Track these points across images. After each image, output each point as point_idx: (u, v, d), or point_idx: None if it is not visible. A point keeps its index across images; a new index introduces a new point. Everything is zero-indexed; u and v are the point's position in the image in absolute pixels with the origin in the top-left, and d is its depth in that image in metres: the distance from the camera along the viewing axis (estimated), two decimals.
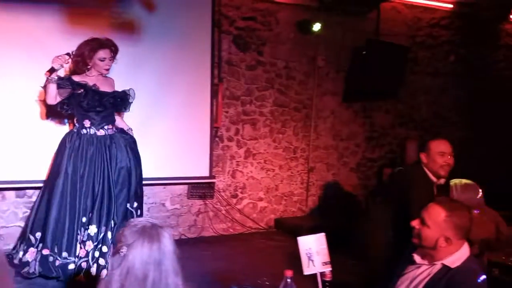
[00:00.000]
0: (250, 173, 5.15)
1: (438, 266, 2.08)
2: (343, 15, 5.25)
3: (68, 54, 3.41)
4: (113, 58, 3.60)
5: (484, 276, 1.97)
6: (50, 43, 3.81)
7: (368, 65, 5.17)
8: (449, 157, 2.95)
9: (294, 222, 5.17)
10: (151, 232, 1.48)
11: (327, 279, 2.07)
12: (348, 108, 5.64)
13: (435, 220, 2.07)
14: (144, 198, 4.02)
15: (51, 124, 3.97)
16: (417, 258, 2.17)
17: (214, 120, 4.73)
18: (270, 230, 5.20)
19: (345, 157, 5.68)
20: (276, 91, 5.21)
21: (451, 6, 5.94)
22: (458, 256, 2.05)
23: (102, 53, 3.54)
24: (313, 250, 2.10)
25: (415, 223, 2.15)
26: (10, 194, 4.08)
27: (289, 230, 4.94)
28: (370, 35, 5.35)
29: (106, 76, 3.69)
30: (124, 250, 1.44)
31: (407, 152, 5.85)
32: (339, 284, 2.28)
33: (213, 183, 4.87)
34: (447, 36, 6.06)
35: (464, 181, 3.22)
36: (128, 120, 3.91)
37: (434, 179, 2.99)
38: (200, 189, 4.82)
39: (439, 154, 2.94)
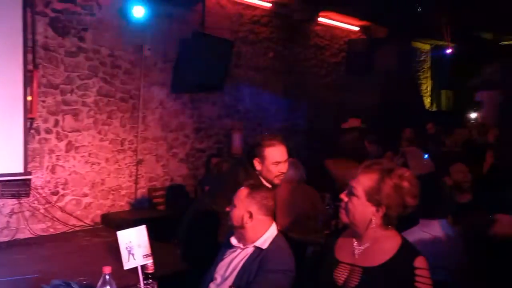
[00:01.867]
0: (72, 167, 4.81)
1: (251, 248, 2.24)
2: (169, 5, 5.23)
3: None
4: None
5: None
6: None
7: (195, 57, 5.26)
8: (284, 164, 2.76)
9: (122, 216, 5.01)
10: None
11: (149, 271, 2.04)
12: (176, 99, 5.66)
13: (240, 198, 2.24)
14: None
15: None
16: (233, 241, 2.30)
17: (28, 110, 4.28)
18: (96, 227, 4.94)
19: (174, 148, 5.70)
20: (100, 80, 4.95)
21: (269, 5, 6.39)
22: (267, 236, 2.23)
23: None
24: (134, 243, 2.04)
25: (228, 208, 2.29)
26: None
27: (116, 225, 4.76)
28: (196, 27, 5.44)
29: None
30: None
31: (233, 142, 6.15)
32: (163, 276, 2.27)
33: (29, 179, 4.40)
34: (267, 34, 6.52)
35: None
36: None
37: (267, 185, 2.76)
38: (13, 186, 4.32)
39: (275, 164, 2.73)
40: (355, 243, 1.89)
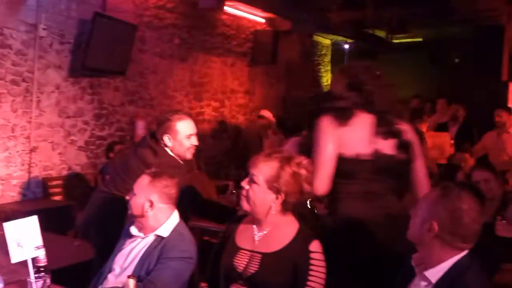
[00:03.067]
0: None
1: (151, 237, 2.22)
2: None
3: None
4: None
5: None
6: None
7: (96, 40, 5.02)
8: (195, 137, 2.81)
9: (13, 207, 4.67)
10: None
11: (41, 264, 1.94)
12: (74, 84, 5.36)
13: (140, 186, 2.22)
14: None
15: None
16: (133, 230, 2.26)
17: None
18: None
19: (72, 135, 5.41)
20: None
21: None
22: (168, 224, 2.23)
23: None
24: (23, 235, 1.93)
25: (127, 196, 2.25)
26: None
27: (7, 217, 4.41)
28: (97, 8, 5.19)
29: None
30: None
31: (136, 130, 5.99)
32: (58, 269, 2.19)
33: None
34: (172, 20, 6.40)
35: None
36: None
37: (179, 161, 2.82)
38: None
39: (187, 137, 2.76)
40: (255, 229, 1.97)
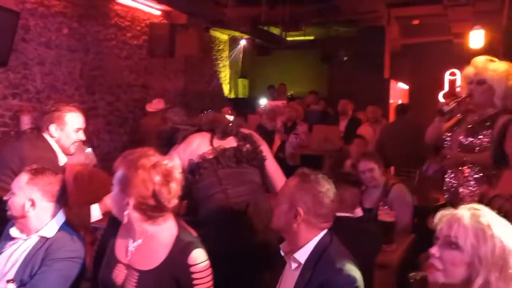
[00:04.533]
0: None
1: (35, 238, 2.10)
2: None
3: None
4: None
5: None
6: None
7: None
8: (83, 132, 2.76)
9: None
10: None
11: None
12: None
13: (19, 185, 2.08)
14: None
15: None
16: (13, 232, 2.12)
17: None
18: None
19: None
20: None
21: None
22: (53, 224, 2.12)
23: None
24: None
25: (6, 196, 2.11)
26: None
27: None
28: None
29: None
30: None
31: (21, 126, 5.58)
32: None
33: None
34: (60, 8, 6.02)
35: None
36: None
37: (59, 155, 2.73)
38: None
39: (76, 130, 2.71)
40: (129, 240, 1.80)
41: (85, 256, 2.13)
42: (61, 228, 2.12)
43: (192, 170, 2.36)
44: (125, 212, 1.71)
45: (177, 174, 1.76)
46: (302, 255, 1.80)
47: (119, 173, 1.73)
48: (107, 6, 6.82)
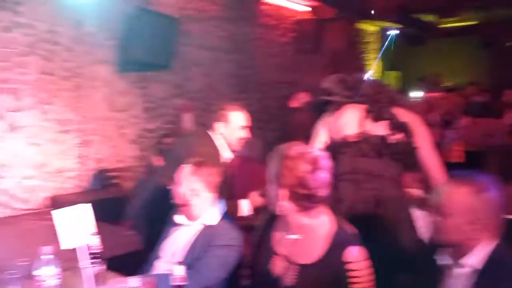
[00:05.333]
0: (14, 149, 4.61)
1: (198, 226, 2.24)
2: None
3: None
4: None
5: None
6: None
7: (141, 35, 5.12)
8: (247, 130, 2.91)
9: (71, 199, 4.85)
10: None
11: (95, 251, 2.01)
12: (123, 79, 5.50)
13: (184, 175, 2.24)
14: None
15: None
16: (178, 219, 2.30)
17: None
18: (43, 210, 4.77)
19: (123, 128, 5.57)
20: (40, 57, 4.72)
21: None
22: (213, 213, 2.25)
23: None
24: (74, 222, 2.00)
25: (172, 185, 2.29)
26: None
27: (65, 207, 4.63)
28: (141, 3, 5.29)
29: None
30: None
31: (183, 123, 6.08)
32: (113, 257, 2.24)
33: None
34: (215, 12, 6.43)
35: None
36: None
37: (223, 151, 2.91)
38: None
39: (239, 128, 2.87)
40: (286, 232, 1.82)
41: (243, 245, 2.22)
42: (222, 218, 2.24)
43: (330, 150, 2.27)
44: (279, 203, 1.74)
45: (325, 162, 1.74)
46: (474, 259, 1.64)
47: (270, 166, 1.77)
48: (255, 7, 7.08)
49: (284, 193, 1.72)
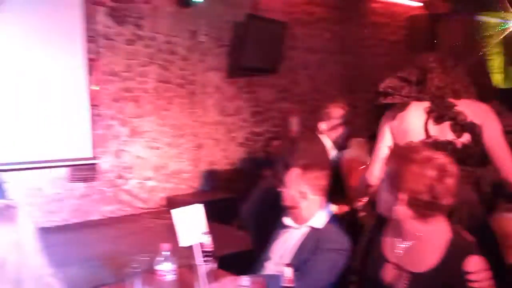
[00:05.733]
0: (136, 152, 5.01)
1: (306, 228, 2.23)
2: None
3: None
4: None
5: None
6: None
7: (249, 41, 5.27)
8: (349, 125, 2.98)
9: (185, 199, 5.15)
10: (4, 213, 1.37)
11: (207, 249, 2.09)
12: (232, 84, 5.71)
13: (291, 178, 2.24)
14: (20, 183, 3.74)
15: None
16: (287, 221, 2.31)
17: (93, 98, 4.50)
18: (161, 209, 5.13)
19: (232, 132, 5.77)
20: (158, 66, 5.09)
21: None
22: (321, 216, 2.22)
23: None
24: (189, 221, 2.10)
25: (280, 188, 2.30)
26: None
27: (180, 207, 4.91)
28: (250, 10, 5.44)
29: None
30: None
31: (290, 126, 6.12)
32: (224, 256, 2.32)
33: (97, 164, 4.65)
34: (321, 14, 6.38)
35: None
36: None
37: (330, 151, 2.97)
38: (83, 171, 4.58)
39: (340, 123, 2.95)
40: (398, 238, 1.73)
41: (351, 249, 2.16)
42: (329, 220, 2.21)
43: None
44: (395, 208, 1.65)
45: (453, 168, 1.61)
46: None
47: (389, 168, 1.69)
48: (364, 6, 6.90)
49: (402, 197, 1.63)
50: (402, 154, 1.67)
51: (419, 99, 2.18)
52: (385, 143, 2.21)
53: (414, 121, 2.15)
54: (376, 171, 2.15)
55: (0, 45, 3.79)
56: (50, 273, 1.41)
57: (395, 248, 1.73)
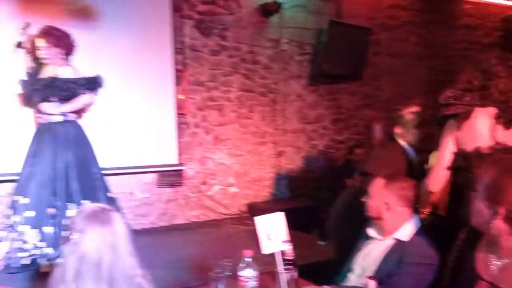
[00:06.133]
0: (219, 159, 5.15)
1: (391, 240, 2.15)
2: None
3: (26, 24, 3.54)
4: (51, 46, 3.53)
5: None
6: (6, 32, 3.72)
7: (332, 48, 5.22)
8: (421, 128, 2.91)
9: (265, 206, 5.20)
10: (101, 216, 1.47)
11: (289, 257, 2.09)
12: (313, 92, 5.69)
13: (376, 189, 2.17)
14: (112, 187, 3.98)
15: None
16: (371, 232, 2.24)
17: (179, 107, 4.71)
18: (242, 215, 5.22)
19: (313, 140, 5.74)
20: (241, 76, 5.21)
21: None
22: (407, 228, 2.12)
23: (37, 42, 3.52)
24: (271, 229, 2.11)
25: (364, 198, 2.24)
26: None
27: (261, 214, 4.95)
28: (332, 17, 5.39)
29: (66, 64, 3.63)
30: (76, 236, 1.43)
31: (373, 133, 5.95)
32: (304, 264, 2.30)
33: (182, 170, 4.85)
34: (407, 18, 6.16)
35: None
36: (91, 109, 3.86)
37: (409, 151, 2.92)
38: (169, 177, 4.80)
39: (417, 125, 2.89)
40: (493, 254, 1.63)
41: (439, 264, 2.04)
42: (416, 233, 2.11)
43: (461, 162, 2.08)
44: (492, 222, 1.54)
45: None
46: None
47: (486, 179, 1.58)
48: (455, 8, 6.55)
49: (500, 212, 1.52)
50: (504, 166, 1.56)
51: (482, 105, 2.12)
52: (448, 151, 2.19)
53: (479, 128, 2.10)
54: (439, 179, 2.17)
55: (98, 59, 4.09)
56: (140, 274, 1.48)
57: (490, 265, 1.61)
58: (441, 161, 2.20)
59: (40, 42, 3.50)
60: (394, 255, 2.10)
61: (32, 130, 3.62)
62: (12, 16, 3.79)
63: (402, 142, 2.91)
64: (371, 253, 2.21)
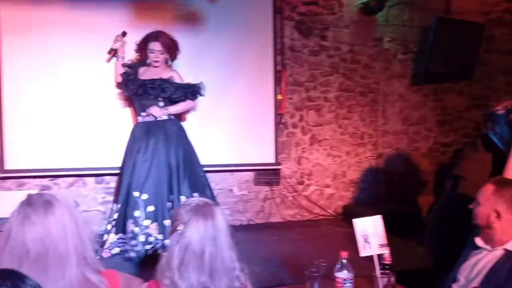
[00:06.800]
0: (316, 159, 5.14)
1: (500, 251, 2.01)
2: None
3: (123, 33, 3.75)
4: (163, 51, 3.75)
5: None
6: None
7: (438, 46, 4.96)
8: None
9: (362, 209, 5.08)
10: (204, 210, 1.55)
11: (386, 262, 2.04)
12: (417, 92, 5.44)
13: (484, 195, 2.03)
14: (213, 184, 4.17)
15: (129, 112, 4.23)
16: (479, 242, 2.11)
17: (278, 107, 4.78)
18: (338, 217, 5.16)
19: (415, 142, 5.50)
20: (340, 76, 5.15)
21: None
22: None
23: (151, 46, 3.76)
24: (369, 232, 2.07)
25: (471, 205, 2.11)
26: (90, 181, 4.39)
27: (357, 217, 4.86)
28: (439, 13, 5.11)
29: (171, 69, 3.87)
30: (181, 227, 1.52)
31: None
32: (402, 270, 2.23)
33: (279, 169, 4.92)
34: None
35: None
36: (195, 109, 4.09)
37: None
38: (267, 175, 4.89)
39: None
40: None
41: None
42: None
43: None
44: None
45: None
46: None
47: None
48: None
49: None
50: None
51: None
52: None
53: None
54: None
55: (202, 62, 4.31)
56: (239, 267, 1.54)
57: None
58: None
59: (155, 46, 3.75)
60: (503, 267, 1.96)
61: (130, 127, 3.90)
62: (123, 22, 4.06)
63: (494, 140, 2.75)
64: (478, 264, 2.09)
